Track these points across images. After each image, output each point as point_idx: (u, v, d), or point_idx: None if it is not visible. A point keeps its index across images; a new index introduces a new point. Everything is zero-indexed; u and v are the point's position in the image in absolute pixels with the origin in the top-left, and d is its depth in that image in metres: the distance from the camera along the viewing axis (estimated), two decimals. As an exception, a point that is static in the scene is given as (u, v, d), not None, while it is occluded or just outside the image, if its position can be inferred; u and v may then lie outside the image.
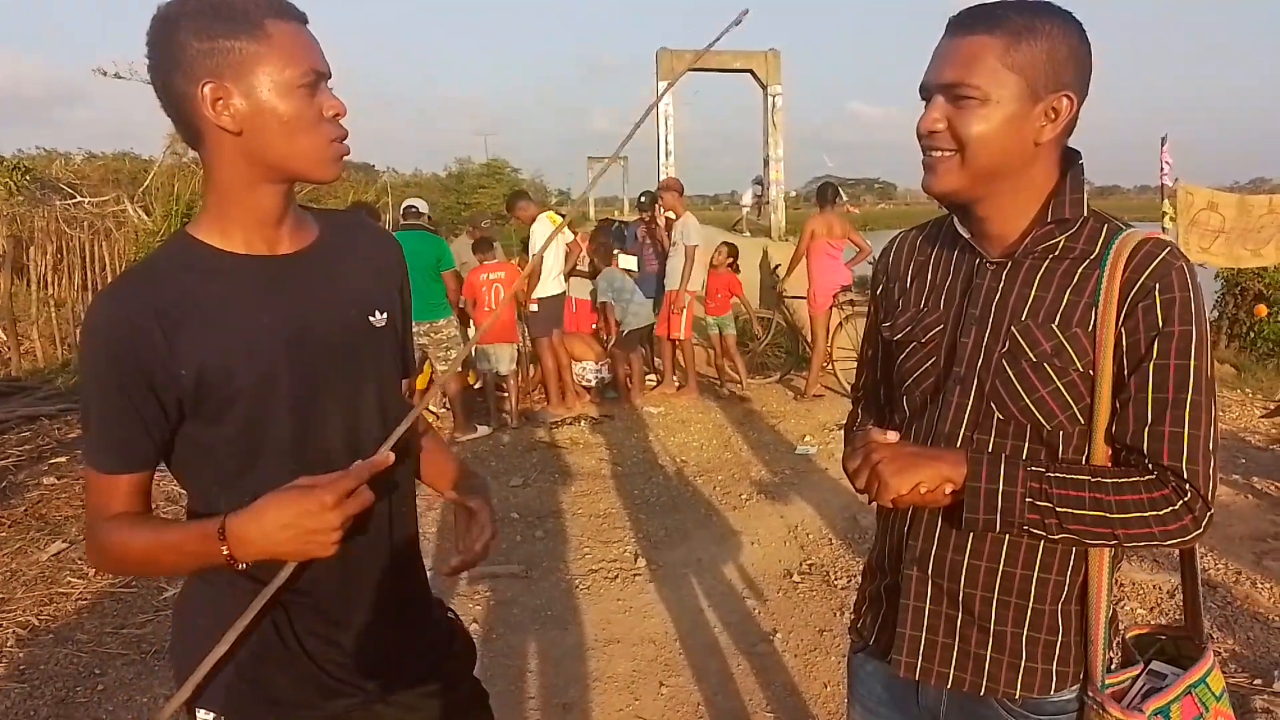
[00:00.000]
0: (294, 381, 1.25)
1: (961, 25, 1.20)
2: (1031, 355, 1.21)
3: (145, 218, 12.73)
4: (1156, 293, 1.15)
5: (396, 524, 1.41)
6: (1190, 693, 1.28)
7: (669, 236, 7.83)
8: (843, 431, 1.60)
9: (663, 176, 14.80)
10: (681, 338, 7.70)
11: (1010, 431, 1.24)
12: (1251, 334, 9.58)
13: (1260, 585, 3.88)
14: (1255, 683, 3.11)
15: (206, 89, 1.15)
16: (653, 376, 8.21)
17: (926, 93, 1.23)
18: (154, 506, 1.30)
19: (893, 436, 1.23)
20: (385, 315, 1.37)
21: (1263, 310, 9.68)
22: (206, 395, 1.20)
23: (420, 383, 5.72)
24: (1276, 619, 3.57)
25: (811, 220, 7.41)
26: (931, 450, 1.24)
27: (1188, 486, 1.15)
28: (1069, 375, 1.20)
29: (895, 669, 1.34)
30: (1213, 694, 1.30)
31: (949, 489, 1.18)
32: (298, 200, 1.33)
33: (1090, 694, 1.26)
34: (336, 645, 1.34)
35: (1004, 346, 1.23)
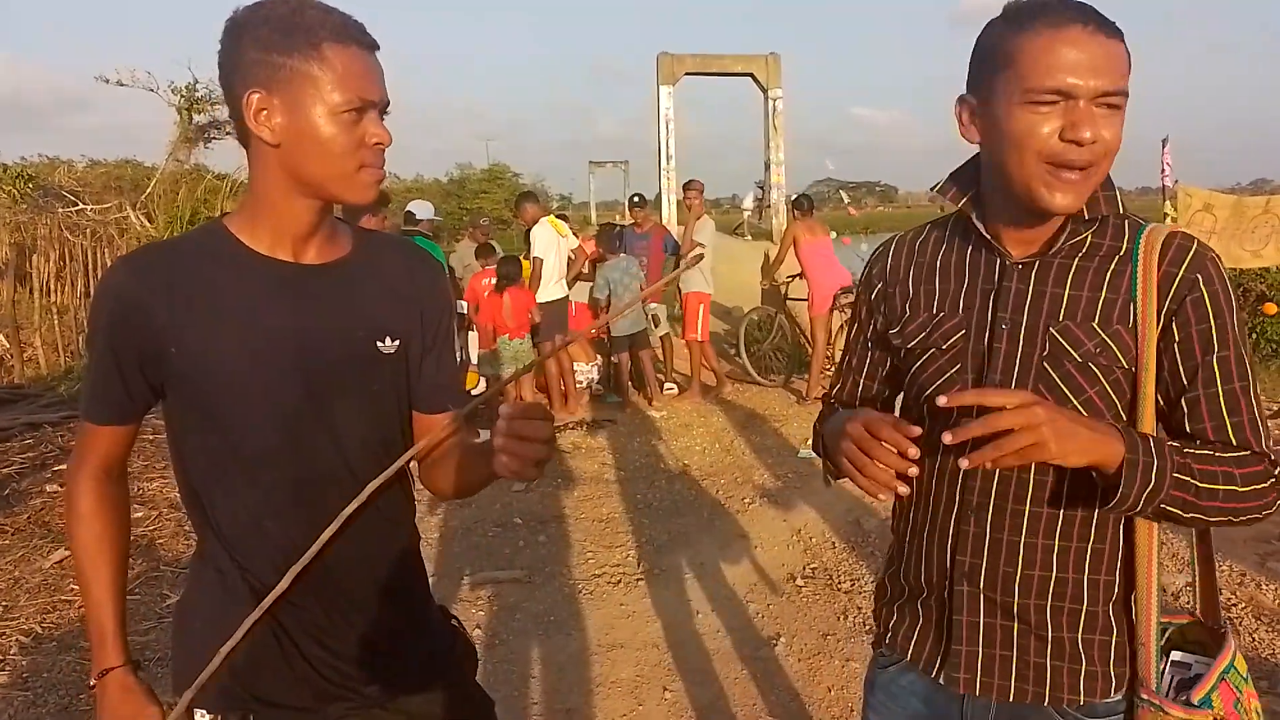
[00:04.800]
0: (289, 390, 1.27)
1: (1103, 26, 1.11)
2: (1076, 356, 1.19)
3: (148, 224, 12.75)
4: (1201, 285, 1.16)
5: (392, 532, 1.42)
6: (1224, 679, 1.26)
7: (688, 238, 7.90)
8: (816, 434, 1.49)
9: (664, 180, 14.82)
10: (700, 339, 7.76)
11: None
12: (1255, 335, 9.58)
13: (1265, 587, 3.87)
14: (1260, 684, 3.10)
15: (254, 98, 1.18)
16: (671, 385, 8.22)
17: (1060, 97, 1.11)
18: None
19: (915, 431, 1.13)
20: (396, 343, 1.36)
21: (1272, 308, 9.66)
22: (194, 379, 1.25)
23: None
24: (1281, 621, 3.56)
25: (793, 226, 7.82)
26: (1087, 419, 1.14)
27: (1274, 463, 1.18)
28: (1114, 374, 1.19)
29: (953, 686, 1.30)
30: (1242, 677, 1.29)
31: (1085, 463, 1.10)
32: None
33: (1145, 695, 1.24)
34: (333, 651, 1.35)
35: (1044, 350, 1.20)
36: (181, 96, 14.36)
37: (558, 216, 8.48)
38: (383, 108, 1.23)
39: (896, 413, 1.39)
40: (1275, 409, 5.38)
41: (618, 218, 13.88)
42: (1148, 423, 1.20)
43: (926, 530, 1.32)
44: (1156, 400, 1.20)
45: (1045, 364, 1.20)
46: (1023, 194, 1.16)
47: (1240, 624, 3.56)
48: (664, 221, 12.89)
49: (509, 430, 1.15)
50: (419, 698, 1.44)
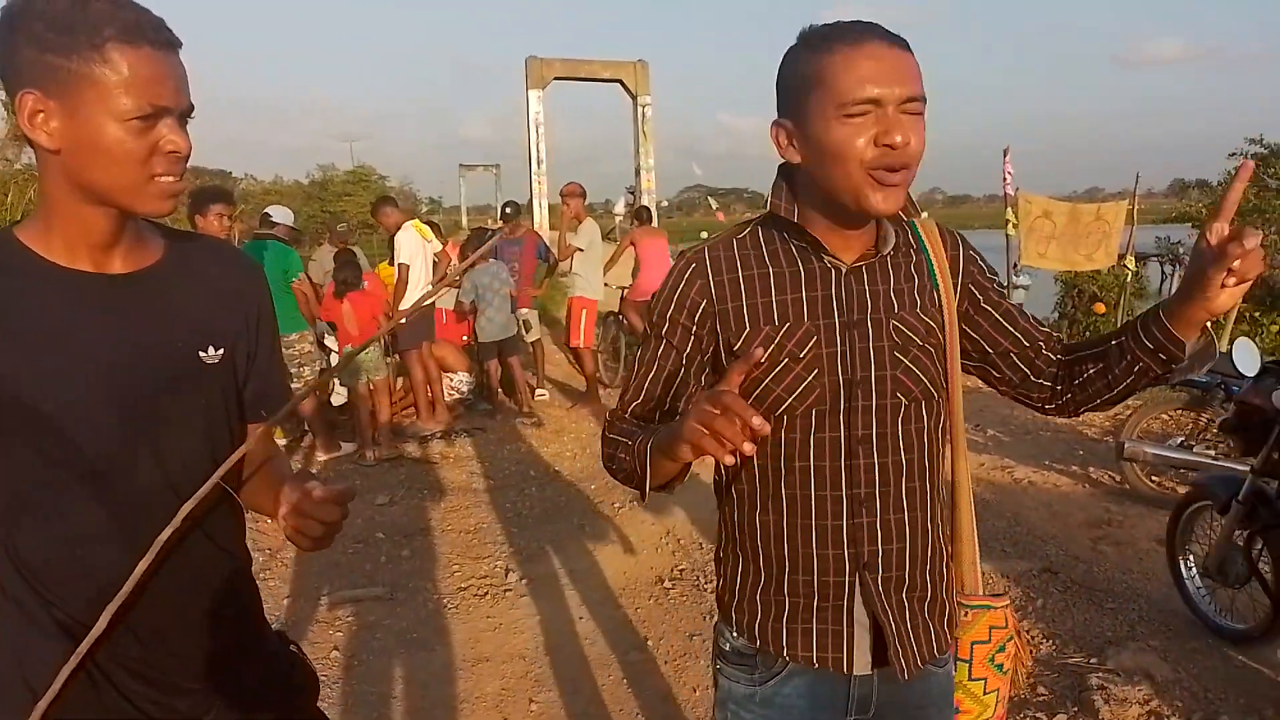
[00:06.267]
0: (102, 410, 1.17)
1: (888, 39, 1.19)
2: (918, 341, 1.33)
3: (-29, 229, 11.73)
4: (974, 254, 1.44)
5: (219, 555, 1.34)
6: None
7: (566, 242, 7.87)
8: (612, 444, 1.39)
9: (535, 184, 14.74)
10: (583, 345, 7.71)
11: (913, 415, 1.33)
12: (1088, 333, 10.30)
13: (1095, 569, 4.15)
14: (1091, 661, 3.32)
15: (28, 100, 1.07)
16: (543, 391, 8.14)
17: (870, 106, 1.17)
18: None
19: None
20: (220, 351, 1.28)
21: (1101, 308, 10.43)
22: None
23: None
24: (1109, 601, 3.82)
25: (633, 232, 8.66)
26: None
27: None
28: (940, 351, 1.35)
29: (895, 675, 1.35)
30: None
31: None
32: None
33: (976, 601, 1.45)
34: (154, 683, 1.26)
35: (893, 341, 1.31)
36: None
37: (426, 222, 8.27)
38: (182, 113, 1.14)
39: None
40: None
41: (489, 222, 13.70)
42: (957, 384, 1.39)
43: (816, 534, 1.34)
44: (977, 340, 1.42)
45: (896, 353, 1.31)
46: (850, 202, 1.23)
47: (1074, 605, 3.80)
48: (537, 226, 12.81)
49: (294, 510, 1.21)
50: None
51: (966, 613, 1.46)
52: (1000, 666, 1.48)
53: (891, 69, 1.18)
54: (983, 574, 1.49)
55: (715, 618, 3.97)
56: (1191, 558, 3.64)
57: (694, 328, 1.36)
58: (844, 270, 1.32)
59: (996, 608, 1.47)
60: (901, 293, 1.33)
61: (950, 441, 1.44)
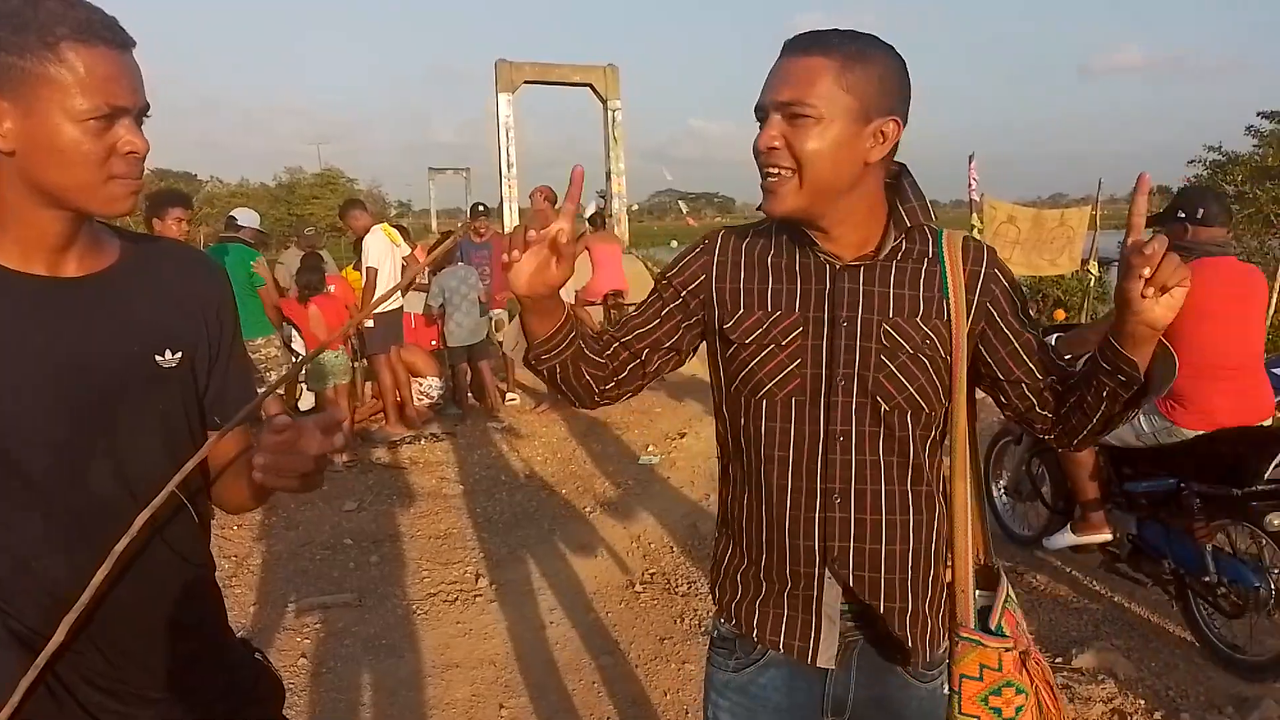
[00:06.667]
0: (54, 416, 1.14)
1: (797, 47, 1.24)
2: (908, 348, 1.32)
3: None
4: (999, 273, 1.39)
5: (180, 564, 1.31)
6: (1006, 607, 1.46)
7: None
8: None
9: (505, 188, 14.69)
10: None
11: (895, 421, 1.34)
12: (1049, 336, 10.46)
13: (1060, 570, 4.20)
14: (1056, 660, 3.36)
15: None
16: (514, 395, 8.09)
17: (762, 112, 1.26)
18: None
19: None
20: (178, 355, 1.26)
21: (1061, 315, 10.58)
22: None
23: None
24: (1074, 601, 3.88)
25: (586, 237, 8.77)
26: None
27: None
28: (936, 362, 1.34)
29: (872, 679, 1.40)
30: (1014, 602, 1.50)
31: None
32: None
33: (964, 634, 1.41)
34: (116, 695, 1.23)
35: (881, 343, 1.32)
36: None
37: (394, 225, 8.21)
38: (139, 113, 1.12)
39: (721, 408, 1.47)
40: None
41: (459, 225, 13.64)
42: (960, 401, 1.37)
43: (789, 524, 1.37)
44: (990, 365, 1.39)
45: (882, 356, 1.33)
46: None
47: (1040, 605, 3.85)
48: (507, 230, 12.74)
49: (273, 447, 1.13)
50: None
51: (957, 642, 1.41)
52: (998, 711, 1.38)
53: (775, 78, 1.25)
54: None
55: (686, 621, 3.97)
56: (999, 481, 4.55)
57: (684, 294, 1.43)
58: (838, 267, 1.34)
59: (988, 646, 1.38)
60: (901, 298, 1.33)
61: (951, 457, 1.41)
